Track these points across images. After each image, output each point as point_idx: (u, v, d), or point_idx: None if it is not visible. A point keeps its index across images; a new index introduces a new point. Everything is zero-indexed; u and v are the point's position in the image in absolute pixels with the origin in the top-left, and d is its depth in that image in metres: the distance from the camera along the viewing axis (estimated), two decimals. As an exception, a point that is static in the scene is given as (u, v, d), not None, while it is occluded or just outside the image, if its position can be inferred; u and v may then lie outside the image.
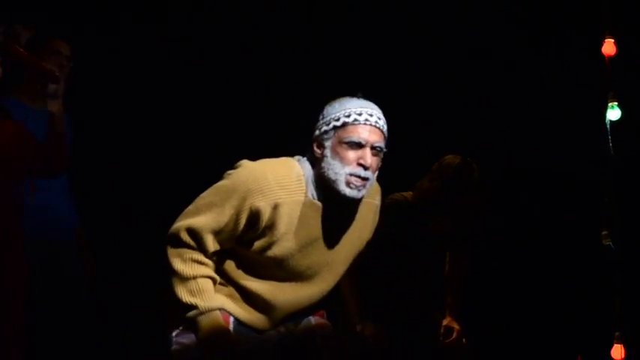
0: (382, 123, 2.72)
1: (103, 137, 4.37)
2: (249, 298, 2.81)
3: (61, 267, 3.74)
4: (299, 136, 2.87)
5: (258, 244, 2.73)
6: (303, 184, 2.74)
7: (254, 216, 2.68)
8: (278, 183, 2.70)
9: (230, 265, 2.81)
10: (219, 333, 2.70)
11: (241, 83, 4.51)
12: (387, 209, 3.48)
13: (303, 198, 2.73)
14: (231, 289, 2.81)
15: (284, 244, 2.73)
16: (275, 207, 2.68)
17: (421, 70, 4.53)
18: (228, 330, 2.75)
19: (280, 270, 2.78)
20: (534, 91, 4.42)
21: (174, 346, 2.77)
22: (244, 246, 2.75)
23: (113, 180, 4.45)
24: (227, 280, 2.81)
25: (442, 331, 3.70)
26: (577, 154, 4.01)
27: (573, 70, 4.22)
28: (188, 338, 2.75)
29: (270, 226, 2.71)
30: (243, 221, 2.69)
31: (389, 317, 3.58)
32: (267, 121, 4.42)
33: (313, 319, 2.92)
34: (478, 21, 4.50)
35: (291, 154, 2.84)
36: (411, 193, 3.68)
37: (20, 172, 3.30)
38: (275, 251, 2.74)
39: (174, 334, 2.79)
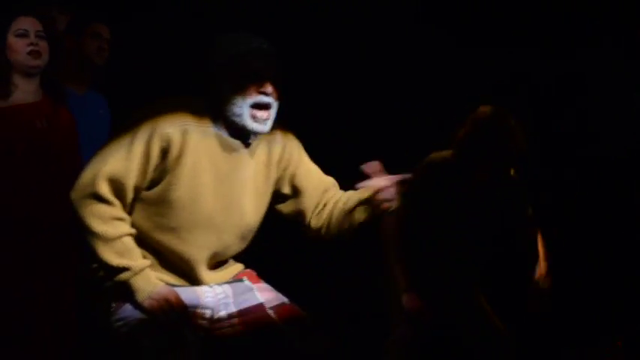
0: (275, 55, 2.67)
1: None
2: (162, 257, 2.66)
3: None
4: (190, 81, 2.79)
5: (166, 180, 2.59)
6: (209, 118, 2.65)
7: (165, 144, 2.56)
8: (184, 112, 2.62)
9: (138, 220, 2.64)
10: (160, 289, 2.57)
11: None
12: (427, 170, 3.48)
13: (210, 130, 2.64)
14: (144, 252, 2.63)
15: (192, 180, 2.60)
16: (184, 133, 2.58)
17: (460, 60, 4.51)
18: (167, 286, 2.61)
19: (190, 213, 2.63)
20: (573, 79, 4.39)
21: (117, 324, 2.59)
22: (152, 187, 2.60)
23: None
24: (139, 238, 2.63)
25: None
26: (617, 142, 3.98)
27: (612, 59, 4.19)
28: (128, 311, 2.58)
29: (179, 157, 2.58)
30: (155, 153, 2.56)
31: (433, 290, 3.50)
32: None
33: (257, 291, 2.76)
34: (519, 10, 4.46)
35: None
36: (448, 151, 3.57)
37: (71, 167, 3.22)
38: (183, 188, 2.60)
39: (107, 312, 2.61)
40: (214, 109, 2.65)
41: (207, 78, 2.66)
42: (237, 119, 2.62)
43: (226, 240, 2.72)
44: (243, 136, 2.67)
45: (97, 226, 2.53)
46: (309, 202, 2.81)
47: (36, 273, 3.17)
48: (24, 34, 3.19)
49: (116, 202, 2.57)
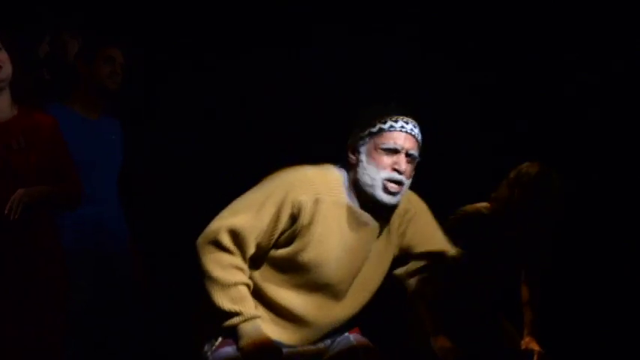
0: (417, 131, 2.75)
1: (153, 144, 4.30)
2: (279, 313, 2.75)
3: (114, 279, 3.67)
4: (332, 147, 2.87)
5: (294, 245, 2.69)
6: (342, 188, 2.74)
7: (296, 211, 2.66)
8: (319, 180, 2.71)
9: (261, 274, 2.74)
10: (264, 340, 2.64)
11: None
12: (458, 222, 3.47)
13: (342, 200, 2.72)
14: (259, 307, 2.73)
15: (319, 247, 2.68)
16: (316, 202, 2.67)
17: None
18: (271, 339, 2.68)
19: (312, 279, 2.73)
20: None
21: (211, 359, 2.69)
22: (279, 248, 2.71)
23: (162, 190, 4.37)
24: (256, 292, 2.73)
25: (522, 352, 3.61)
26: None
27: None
28: (225, 353, 2.67)
29: (309, 225, 2.67)
30: (284, 218, 2.66)
31: (460, 331, 3.49)
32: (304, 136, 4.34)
33: (352, 337, 2.86)
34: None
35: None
36: (484, 204, 3.58)
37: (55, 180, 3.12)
38: (310, 254, 2.69)
39: (208, 350, 2.72)
40: (348, 178, 2.75)
41: (347, 146, 2.76)
42: (368, 189, 2.70)
43: (345, 305, 2.80)
44: (373, 208, 2.73)
45: (215, 271, 2.64)
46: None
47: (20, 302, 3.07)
48: None
49: (237, 252, 2.66)
